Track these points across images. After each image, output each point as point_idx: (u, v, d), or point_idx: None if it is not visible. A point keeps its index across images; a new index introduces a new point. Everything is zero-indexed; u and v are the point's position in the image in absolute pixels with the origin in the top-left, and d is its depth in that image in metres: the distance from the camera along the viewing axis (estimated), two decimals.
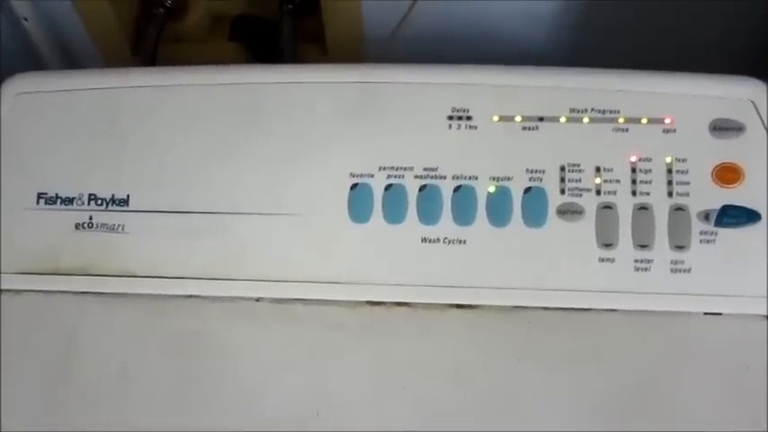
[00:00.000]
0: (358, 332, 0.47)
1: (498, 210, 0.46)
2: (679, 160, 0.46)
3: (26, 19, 0.63)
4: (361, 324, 0.47)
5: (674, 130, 0.46)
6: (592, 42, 0.62)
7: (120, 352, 0.47)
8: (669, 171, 0.46)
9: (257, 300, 0.47)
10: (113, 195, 0.48)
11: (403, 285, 0.46)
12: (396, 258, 0.46)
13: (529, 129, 0.46)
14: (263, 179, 0.47)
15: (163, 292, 0.48)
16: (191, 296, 0.48)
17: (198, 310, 0.48)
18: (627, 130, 0.46)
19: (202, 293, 0.47)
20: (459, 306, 0.46)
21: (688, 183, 0.45)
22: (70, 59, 0.65)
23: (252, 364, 0.47)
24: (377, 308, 0.47)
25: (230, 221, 0.47)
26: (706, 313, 0.45)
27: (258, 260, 0.47)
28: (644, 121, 0.46)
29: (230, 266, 0.47)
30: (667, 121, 0.46)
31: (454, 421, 0.45)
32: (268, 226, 0.47)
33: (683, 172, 0.46)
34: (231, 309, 0.47)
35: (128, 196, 0.48)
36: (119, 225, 0.48)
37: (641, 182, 0.46)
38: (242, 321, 0.47)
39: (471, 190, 0.46)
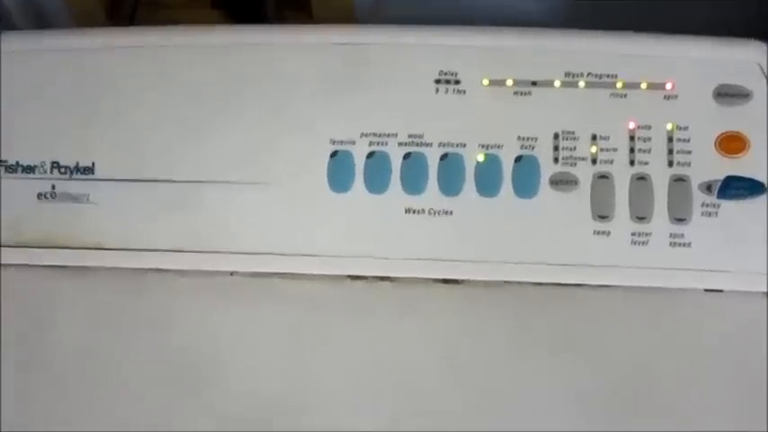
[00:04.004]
0: (338, 308, 0.44)
1: (487, 179, 0.43)
2: (680, 128, 0.43)
3: None
4: (342, 300, 0.44)
5: (676, 96, 0.43)
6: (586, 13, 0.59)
7: (87, 328, 0.45)
8: (670, 139, 0.43)
9: (231, 274, 0.45)
10: (78, 163, 0.45)
11: (385, 259, 0.44)
12: (378, 230, 0.44)
13: (521, 94, 0.44)
14: (238, 146, 0.45)
15: (131, 266, 0.45)
16: (160, 270, 0.45)
17: (168, 285, 0.45)
18: (625, 95, 0.43)
19: (173, 267, 0.45)
20: (444, 281, 0.44)
21: (689, 152, 0.43)
22: (40, 24, 0.62)
23: (225, 341, 0.44)
24: (358, 282, 0.44)
25: (203, 191, 0.45)
26: (707, 290, 0.43)
27: (232, 232, 0.45)
28: (644, 86, 0.43)
29: (202, 238, 0.45)
30: (668, 86, 0.43)
31: (438, 404, 0.43)
32: (243, 195, 0.44)
33: (684, 140, 0.43)
34: (203, 283, 0.45)
35: (93, 164, 0.45)
36: (84, 195, 0.45)
37: (640, 150, 0.43)
38: (215, 296, 0.45)
39: (459, 158, 0.43)
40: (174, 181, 0.45)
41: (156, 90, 0.45)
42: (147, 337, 0.45)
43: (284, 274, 0.44)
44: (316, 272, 0.44)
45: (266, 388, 0.44)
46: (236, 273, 0.45)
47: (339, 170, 0.44)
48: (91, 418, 0.43)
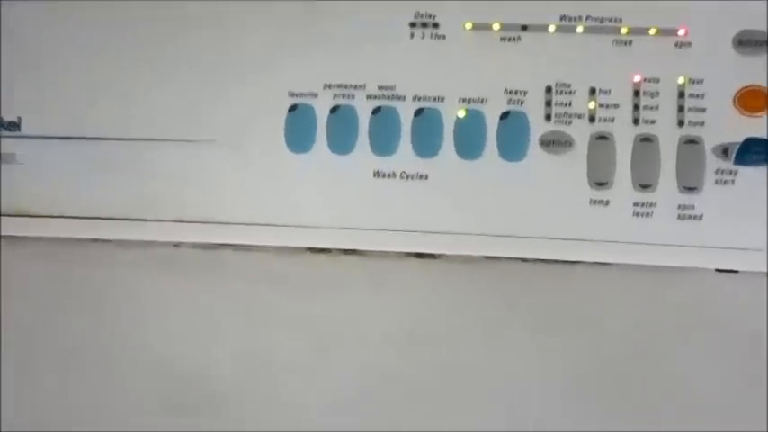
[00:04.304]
0: (296, 285, 0.39)
1: (468, 138, 0.38)
2: (694, 82, 0.38)
3: None
4: (301, 275, 0.39)
5: (689, 44, 0.38)
6: None
7: (11, 305, 0.40)
8: (681, 95, 0.38)
9: (176, 245, 0.40)
10: (1, 118, 0.40)
11: (351, 229, 0.39)
12: (342, 196, 0.39)
13: (509, 40, 0.38)
14: (182, 99, 0.39)
15: (63, 235, 0.40)
16: (96, 240, 0.40)
17: (106, 257, 0.40)
18: (630, 43, 0.38)
19: (111, 237, 0.40)
20: (418, 255, 0.39)
21: (703, 110, 0.38)
22: None
23: (170, 320, 0.40)
24: (320, 256, 0.39)
25: (144, 150, 0.39)
26: (718, 270, 0.38)
27: (177, 197, 0.39)
28: (652, 32, 0.38)
29: (144, 205, 0.39)
30: (681, 32, 0.38)
31: (408, 395, 0.38)
32: (189, 155, 0.39)
33: (697, 96, 0.38)
34: (145, 255, 0.40)
35: (19, 119, 0.40)
36: (9, 154, 0.40)
37: (646, 107, 0.38)
38: (158, 270, 0.40)
39: (436, 114, 0.38)
40: (112, 138, 0.40)
41: (88, 37, 0.40)
42: (80, 318, 0.40)
43: (235, 246, 0.39)
44: (271, 243, 0.39)
45: (215, 373, 0.39)
46: (182, 244, 0.40)
47: (298, 127, 0.39)
48: (20, 398, 0.39)
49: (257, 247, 0.39)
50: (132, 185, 0.39)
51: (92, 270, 0.40)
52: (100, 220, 0.40)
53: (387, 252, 0.38)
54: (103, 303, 0.40)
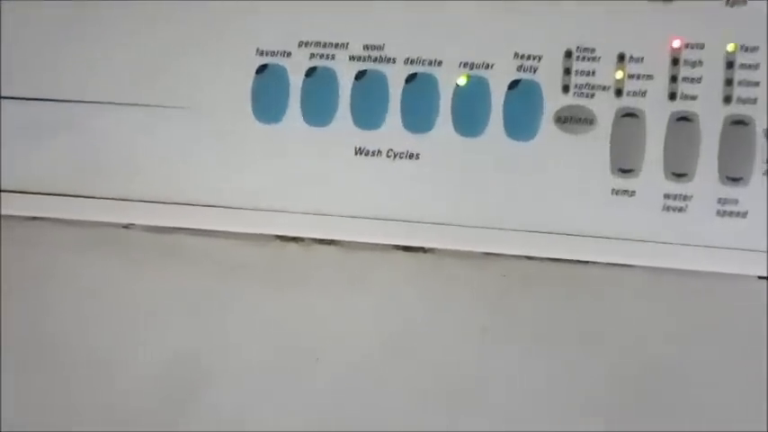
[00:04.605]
0: (263, 276, 0.35)
1: (469, 111, 0.32)
2: (746, 49, 0.31)
3: None
4: (269, 266, 0.34)
5: (744, 2, 0.31)
6: None
7: None
8: (729, 65, 0.31)
9: (126, 226, 0.34)
10: None
11: (328, 215, 0.33)
12: (318, 176, 0.33)
13: None
14: (133, 55, 0.33)
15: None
16: (35, 218, 0.35)
17: (46, 239, 0.35)
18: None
19: (51, 215, 0.35)
20: (405, 248, 0.34)
21: (757, 83, 0.31)
22: None
23: (118, 312, 0.35)
24: (291, 245, 0.34)
25: (89, 115, 0.34)
26: (761, 277, 0.32)
27: (128, 172, 0.34)
28: None
29: (89, 179, 0.34)
30: None
31: (386, 407, 0.33)
32: (138, 123, 0.34)
33: (750, 67, 0.31)
34: (90, 237, 0.35)
35: None
36: None
37: (685, 79, 0.32)
38: (105, 255, 0.35)
39: (431, 80, 0.32)
40: (52, 100, 0.34)
41: None
42: (21, 306, 0.35)
43: (195, 230, 0.34)
44: (235, 229, 0.34)
45: (170, 371, 0.34)
46: (133, 225, 0.34)
47: (267, 92, 0.33)
48: None
49: (217, 232, 0.34)
50: (77, 155, 0.34)
51: (29, 252, 0.35)
52: (40, 196, 0.34)
53: (369, 243, 0.33)
54: (44, 289, 0.35)
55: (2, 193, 0.34)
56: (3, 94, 0.34)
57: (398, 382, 0.33)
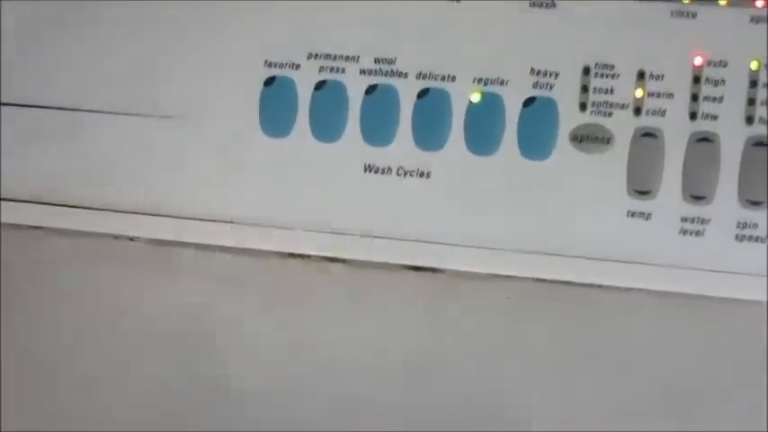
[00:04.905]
0: (267, 293, 0.34)
1: (482, 129, 0.31)
2: None
3: None
4: (274, 283, 0.34)
5: None
6: None
7: None
8: (753, 84, 0.30)
9: (131, 239, 0.33)
10: None
11: (336, 233, 0.32)
12: (326, 192, 0.32)
13: (540, 5, 0.31)
14: (139, 63, 0.32)
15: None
16: (36, 227, 0.34)
17: (47, 249, 0.34)
18: (694, 15, 0.30)
19: (52, 225, 0.34)
20: (415, 268, 0.33)
21: None
22: None
23: (118, 325, 0.34)
24: (296, 261, 0.33)
25: (90, 122, 0.33)
26: None
27: (132, 183, 0.33)
28: (723, 1, 0.30)
29: (92, 189, 0.33)
30: (759, 2, 0.30)
31: (394, 428, 0.32)
32: (142, 132, 0.33)
33: None
34: (94, 249, 0.34)
35: None
36: None
37: (707, 98, 0.30)
38: (108, 267, 0.34)
39: (444, 96, 0.31)
40: (52, 107, 0.33)
41: None
42: (20, 315, 0.34)
43: (202, 245, 0.33)
44: (241, 244, 0.33)
45: (165, 387, 0.33)
46: (138, 239, 0.33)
47: (275, 105, 0.32)
48: None
49: (223, 247, 0.33)
50: (79, 164, 0.33)
51: (30, 263, 0.34)
52: (39, 206, 0.34)
53: (378, 262, 0.32)
54: (43, 301, 0.34)
55: (2, 202, 0.34)
56: (3, 101, 0.33)
57: (405, 403, 0.32)
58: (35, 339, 0.35)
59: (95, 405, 0.35)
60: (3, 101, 0.33)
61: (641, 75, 0.31)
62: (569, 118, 0.31)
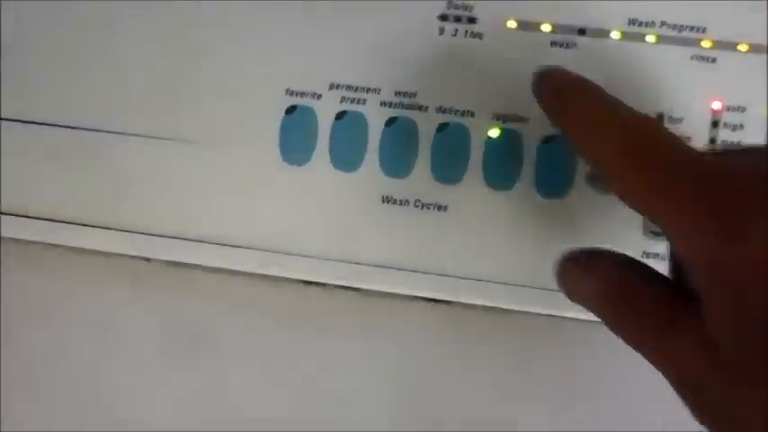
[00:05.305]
0: (281, 319, 0.33)
1: (501, 164, 0.31)
2: None
3: None
4: (287, 309, 0.33)
5: None
6: None
7: None
8: None
9: (147, 260, 0.33)
10: None
11: (351, 262, 0.32)
12: (343, 222, 0.32)
13: (561, 45, 0.31)
14: (162, 88, 0.32)
15: (12, 235, 0.34)
16: (53, 245, 0.34)
17: (61, 266, 0.34)
18: (714, 60, 0.30)
19: (67, 243, 0.34)
20: (430, 300, 0.32)
21: None
22: None
23: (129, 347, 0.34)
24: (311, 289, 0.33)
25: (110, 144, 0.33)
26: None
27: (150, 205, 0.33)
28: (742, 47, 0.30)
29: (109, 210, 0.33)
30: None
31: None
32: (162, 155, 0.33)
33: None
34: (110, 267, 0.34)
35: None
36: None
37: (725, 143, 0.31)
38: (123, 288, 0.34)
39: (463, 131, 0.31)
40: (72, 127, 0.33)
41: (66, 16, 0.33)
42: (25, 332, 0.34)
43: (218, 269, 0.33)
44: (256, 270, 0.33)
45: (176, 412, 0.33)
46: (154, 260, 0.33)
47: (295, 133, 0.32)
48: None
49: (239, 272, 0.33)
50: (97, 185, 0.33)
51: (44, 282, 0.34)
52: (56, 224, 0.34)
53: (392, 293, 0.32)
54: (57, 320, 0.34)
55: (14, 218, 0.34)
56: (22, 118, 0.33)
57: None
58: (45, 357, 0.35)
59: (102, 425, 0.35)
60: (25, 119, 0.33)
61: (660, 117, 0.31)
62: None
